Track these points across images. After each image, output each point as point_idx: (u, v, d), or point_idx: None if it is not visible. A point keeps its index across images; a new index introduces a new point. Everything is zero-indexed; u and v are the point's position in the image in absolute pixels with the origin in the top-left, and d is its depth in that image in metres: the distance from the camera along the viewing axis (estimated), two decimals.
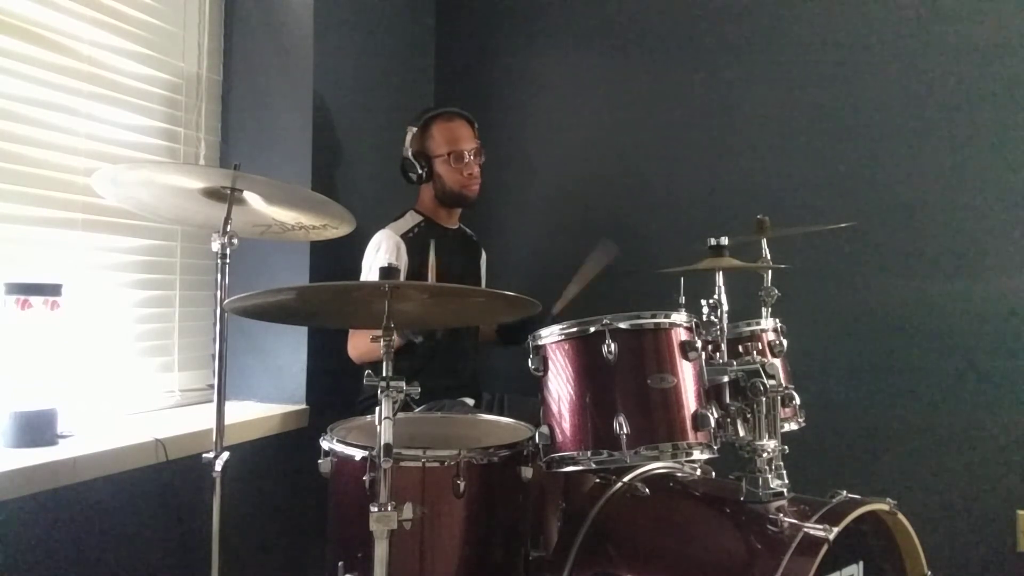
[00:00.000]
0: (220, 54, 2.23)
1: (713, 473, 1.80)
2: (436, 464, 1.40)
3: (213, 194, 1.48)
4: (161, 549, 1.72)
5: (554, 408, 1.48)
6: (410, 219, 2.21)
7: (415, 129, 2.20)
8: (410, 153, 2.19)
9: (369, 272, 2.09)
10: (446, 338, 2.16)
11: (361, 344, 2.04)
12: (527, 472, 1.48)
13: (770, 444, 1.43)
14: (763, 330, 1.79)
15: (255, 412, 2.06)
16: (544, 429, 1.49)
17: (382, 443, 1.21)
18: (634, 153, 2.68)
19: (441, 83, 2.95)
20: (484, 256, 2.47)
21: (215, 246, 1.48)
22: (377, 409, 1.26)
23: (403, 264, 2.06)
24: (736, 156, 2.53)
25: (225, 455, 1.47)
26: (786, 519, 1.31)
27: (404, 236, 2.13)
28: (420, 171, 2.18)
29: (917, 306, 2.31)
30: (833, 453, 2.31)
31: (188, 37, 2.12)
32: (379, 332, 1.30)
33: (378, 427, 1.24)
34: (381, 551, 1.19)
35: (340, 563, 1.38)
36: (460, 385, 2.20)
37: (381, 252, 2.08)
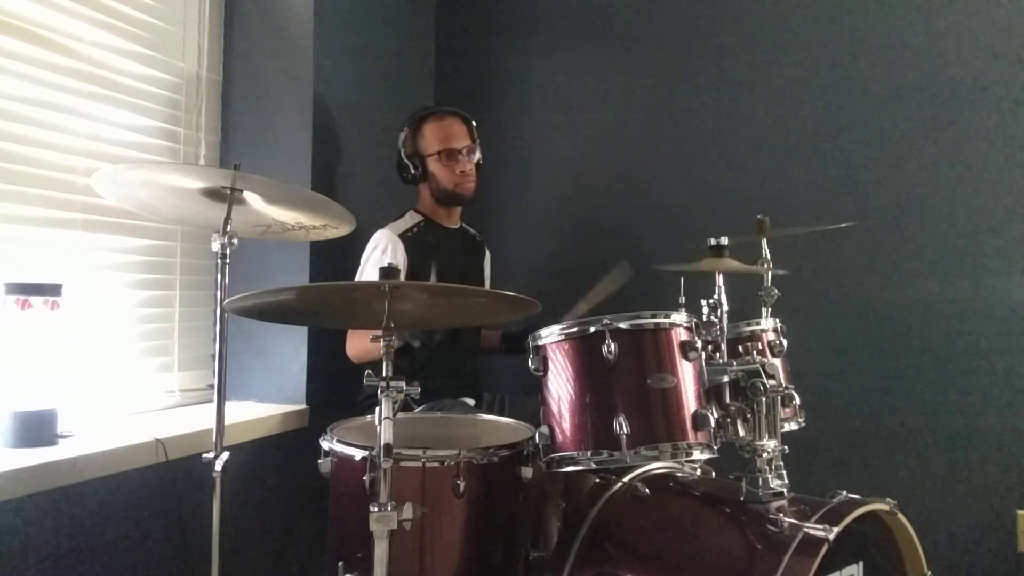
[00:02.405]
0: (220, 54, 2.23)
1: (713, 473, 1.80)
2: (436, 464, 1.40)
3: (213, 194, 1.48)
4: (161, 549, 1.72)
5: (554, 408, 1.48)
6: (410, 219, 2.21)
7: (408, 129, 2.21)
8: (404, 153, 2.20)
9: (363, 270, 2.09)
10: (445, 340, 2.16)
11: (359, 344, 2.04)
12: (527, 472, 1.48)
13: (770, 444, 1.43)
14: (763, 330, 1.80)
15: (255, 412, 2.06)
16: (544, 429, 1.49)
17: (382, 443, 1.21)
18: (634, 153, 2.68)
19: (441, 83, 2.95)
20: (488, 255, 2.46)
21: (215, 246, 1.48)
22: (377, 409, 1.26)
23: (402, 263, 2.06)
24: (736, 156, 2.53)
25: (225, 455, 1.47)
26: (786, 519, 1.31)
27: (403, 236, 2.13)
28: (414, 171, 2.18)
29: (917, 306, 2.31)
30: (833, 453, 2.31)
31: (188, 37, 2.12)
32: (379, 332, 1.30)
33: (378, 427, 1.24)
34: (381, 551, 1.19)
35: (340, 563, 1.39)
36: (460, 385, 2.20)
37: (378, 251, 2.08)
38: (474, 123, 2.26)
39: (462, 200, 2.23)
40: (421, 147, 2.19)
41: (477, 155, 2.23)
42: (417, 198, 2.28)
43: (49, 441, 1.54)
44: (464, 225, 2.37)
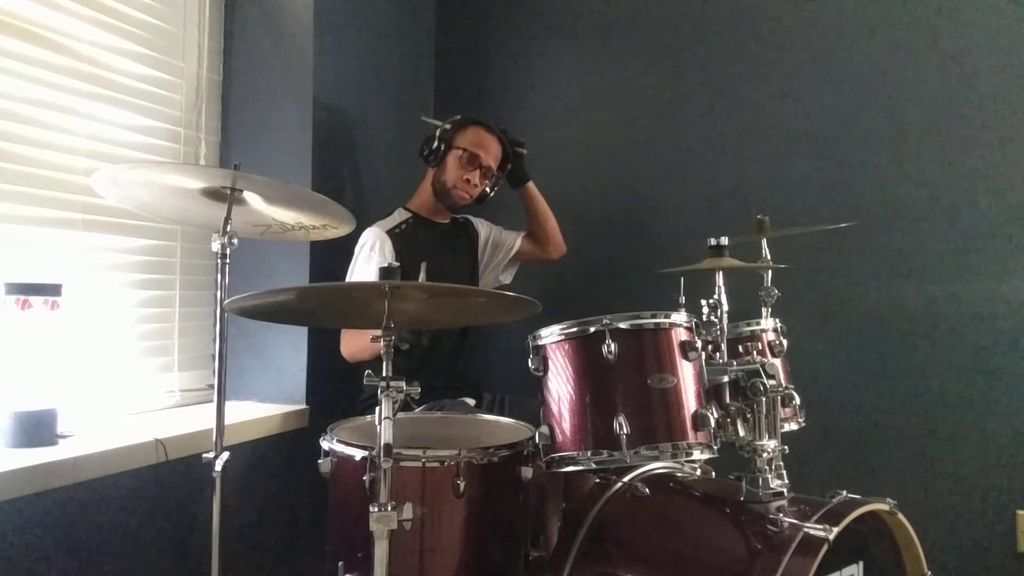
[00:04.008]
0: (220, 54, 2.23)
1: (713, 473, 1.80)
2: (436, 464, 1.40)
3: (213, 194, 1.48)
4: (161, 549, 1.72)
5: (554, 408, 1.48)
6: (398, 216, 2.21)
7: (459, 118, 2.22)
8: (439, 132, 2.21)
9: (353, 268, 2.09)
10: (445, 339, 2.16)
11: (353, 343, 2.04)
12: (527, 472, 1.48)
13: (770, 444, 1.43)
14: (763, 330, 1.80)
15: (255, 412, 2.06)
16: (544, 429, 1.49)
17: (382, 443, 1.21)
18: (634, 153, 2.68)
19: (441, 83, 2.95)
20: (481, 227, 2.43)
21: (215, 246, 1.48)
22: (377, 409, 1.26)
23: (391, 261, 2.07)
24: (736, 156, 2.53)
25: (225, 455, 1.47)
26: (786, 519, 1.31)
27: (390, 232, 2.13)
28: (434, 149, 2.19)
29: (917, 306, 2.31)
30: (833, 453, 2.32)
31: (188, 37, 2.12)
32: (379, 332, 1.30)
33: (378, 427, 1.24)
34: (381, 551, 1.19)
35: (340, 563, 1.38)
36: (460, 385, 2.20)
37: (366, 249, 2.08)
38: (509, 167, 2.28)
39: (452, 201, 2.22)
40: (455, 138, 2.20)
41: (492, 185, 2.26)
42: (414, 191, 2.28)
43: (49, 441, 1.54)
44: (454, 216, 2.36)
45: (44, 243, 1.72)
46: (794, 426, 1.73)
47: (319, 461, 1.49)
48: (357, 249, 2.11)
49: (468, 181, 2.19)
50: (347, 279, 2.09)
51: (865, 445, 2.34)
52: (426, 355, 2.11)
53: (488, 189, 2.27)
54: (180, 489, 1.73)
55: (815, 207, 2.41)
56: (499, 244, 2.42)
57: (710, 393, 1.48)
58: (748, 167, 2.51)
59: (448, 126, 2.21)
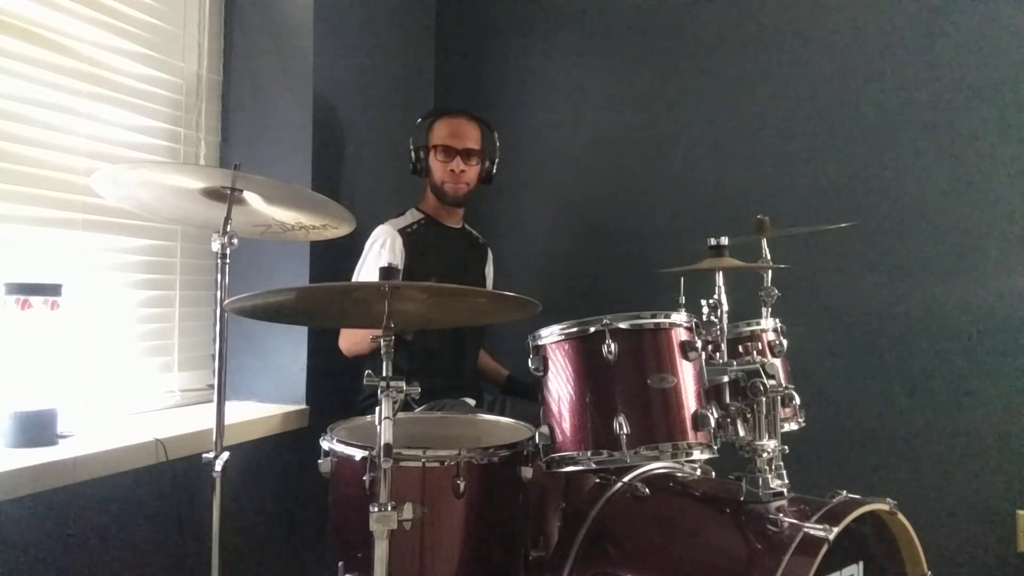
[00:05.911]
0: (220, 54, 2.23)
1: (713, 473, 1.80)
2: (436, 464, 1.40)
3: (213, 194, 1.48)
4: (161, 549, 1.72)
5: (554, 408, 1.48)
6: (410, 216, 2.21)
7: (424, 121, 2.23)
8: (412, 143, 2.22)
9: (362, 264, 2.10)
10: (446, 340, 2.16)
11: (351, 337, 2.05)
12: (527, 472, 1.48)
13: (770, 444, 1.43)
14: (763, 330, 1.79)
15: (255, 412, 2.06)
16: (544, 429, 1.49)
17: (382, 443, 1.21)
18: (634, 153, 2.68)
19: (441, 83, 2.95)
20: (491, 257, 2.46)
21: (215, 246, 1.48)
22: (377, 409, 1.26)
23: (400, 259, 2.07)
24: (736, 156, 2.53)
25: (225, 455, 1.47)
26: (786, 519, 1.31)
27: (402, 232, 2.13)
28: (415, 162, 2.20)
29: (917, 306, 2.31)
30: (833, 453, 2.31)
31: (188, 37, 2.12)
32: (379, 332, 1.30)
33: (378, 427, 1.24)
34: (381, 551, 1.19)
35: (340, 563, 1.38)
36: (461, 385, 2.20)
37: (376, 246, 2.09)
38: (495, 133, 2.26)
39: (448, 199, 2.21)
40: (428, 140, 2.21)
41: (479, 162, 2.22)
42: (414, 191, 2.28)
43: (49, 441, 1.54)
44: (467, 226, 2.37)
45: (44, 243, 1.72)
46: (794, 426, 1.73)
47: (319, 461, 1.49)
48: (367, 245, 2.11)
49: (453, 172, 2.18)
50: (356, 276, 2.10)
51: (865, 445, 2.34)
52: (428, 355, 2.11)
53: (488, 164, 2.25)
54: (180, 489, 1.73)
55: (815, 207, 2.41)
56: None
57: (710, 393, 1.47)
58: (748, 167, 2.51)
59: (418, 132, 2.21)
